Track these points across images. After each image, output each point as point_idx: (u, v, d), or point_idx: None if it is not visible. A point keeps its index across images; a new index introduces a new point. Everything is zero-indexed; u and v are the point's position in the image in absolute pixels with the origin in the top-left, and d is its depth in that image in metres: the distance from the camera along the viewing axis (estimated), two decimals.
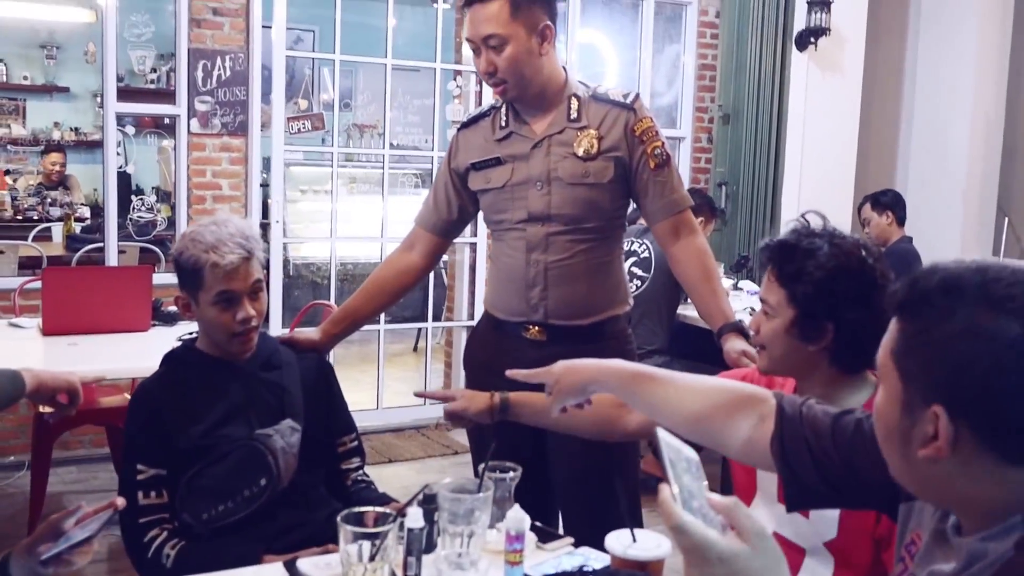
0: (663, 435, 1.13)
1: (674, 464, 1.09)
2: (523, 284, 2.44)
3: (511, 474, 1.86)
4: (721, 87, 6.33)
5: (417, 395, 2.57)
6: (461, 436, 5.49)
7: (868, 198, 5.55)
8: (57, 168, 7.82)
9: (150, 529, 2.07)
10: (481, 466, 1.80)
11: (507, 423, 2.44)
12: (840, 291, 1.74)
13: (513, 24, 2.31)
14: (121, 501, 1.61)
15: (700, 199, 4.93)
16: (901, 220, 5.47)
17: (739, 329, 2.41)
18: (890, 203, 5.45)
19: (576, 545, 1.92)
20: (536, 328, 2.45)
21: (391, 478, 4.63)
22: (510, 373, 1.92)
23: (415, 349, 7.66)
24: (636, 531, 1.60)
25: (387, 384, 5.78)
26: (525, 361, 2.41)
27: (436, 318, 6.07)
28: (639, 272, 4.47)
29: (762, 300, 1.87)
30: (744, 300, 4.86)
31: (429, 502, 1.76)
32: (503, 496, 1.84)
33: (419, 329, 7.34)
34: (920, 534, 1.23)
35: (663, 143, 2.44)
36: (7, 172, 8.11)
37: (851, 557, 1.75)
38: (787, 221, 2.05)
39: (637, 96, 2.46)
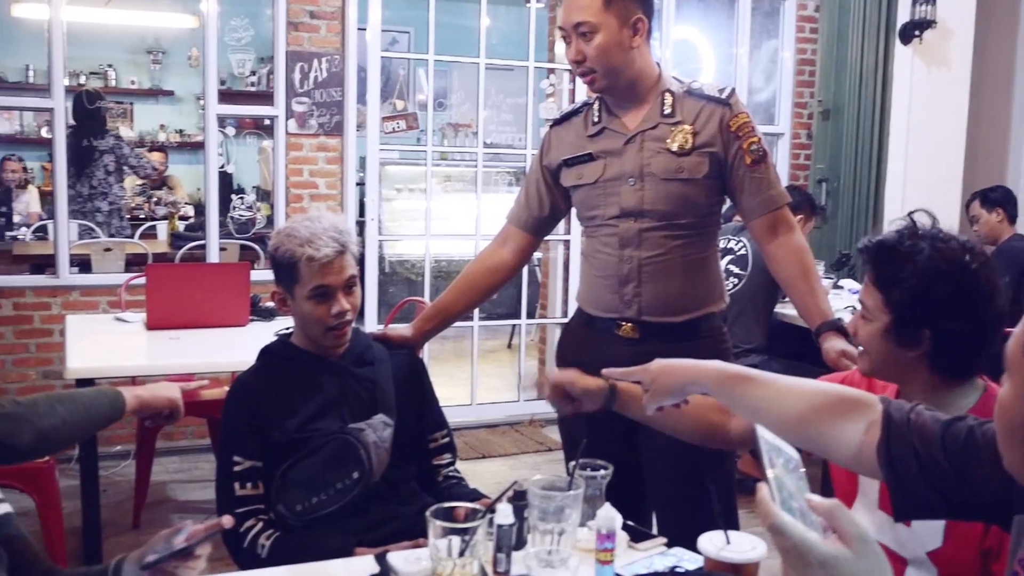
0: (762, 433, 1.09)
1: (773, 463, 1.05)
2: (616, 280, 2.41)
3: (602, 472, 1.84)
4: (821, 82, 6.20)
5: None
6: (554, 433, 5.48)
7: (977, 195, 5.36)
8: (159, 170, 8.04)
9: (246, 519, 2.10)
10: (572, 463, 1.78)
11: (600, 420, 2.42)
12: (937, 298, 1.66)
13: (605, 14, 2.29)
14: (228, 520, 1.64)
15: (799, 196, 4.83)
16: (1012, 217, 5.27)
17: (838, 328, 2.35)
18: (1000, 199, 5.25)
19: (669, 545, 1.89)
20: (629, 325, 2.42)
21: (484, 474, 4.65)
22: (606, 372, 1.89)
23: (509, 346, 7.68)
24: (730, 532, 1.56)
25: (481, 380, 5.80)
26: (618, 358, 2.39)
27: (530, 315, 6.07)
28: (735, 270, 4.39)
29: (860, 301, 1.81)
30: (845, 299, 4.74)
31: (519, 498, 1.75)
32: (594, 494, 1.82)
33: (513, 326, 7.37)
34: None
35: (760, 139, 2.39)
36: None
37: (956, 569, 1.67)
38: (891, 220, 1.97)
39: (733, 91, 2.42)
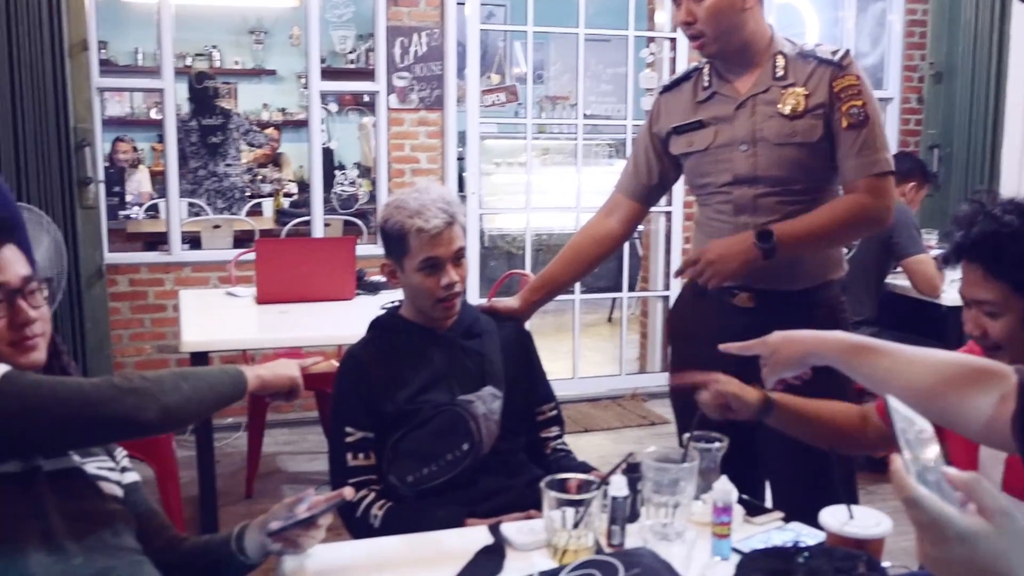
0: (893, 403, 1.05)
1: (906, 433, 1.01)
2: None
3: (717, 444, 1.81)
4: (932, 44, 5.97)
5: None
6: (656, 407, 5.45)
7: None
8: (272, 144, 8.20)
9: (359, 489, 2.12)
10: (686, 436, 1.76)
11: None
12: None
13: None
14: (349, 491, 1.66)
15: (910, 162, 4.67)
16: None
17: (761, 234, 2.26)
18: None
19: (786, 520, 1.85)
20: (745, 294, 2.36)
21: (587, 447, 4.63)
22: (724, 347, 1.84)
23: (609, 320, 7.65)
24: (854, 507, 1.52)
25: (582, 354, 5.78)
26: (732, 329, 2.34)
27: (631, 288, 6.01)
28: None
29: (976, 302, 1.72)
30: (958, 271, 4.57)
31: (633, 471, 1.73)
32: (709, 467, 1.79)
33: (613, 299, 7.33)
34: None
35: (864, 103, 2.28)
36: None
37: None
38: (1008, 184, 1.89)
39: (847, 53, 2.33)
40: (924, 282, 4.25)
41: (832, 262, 2.42)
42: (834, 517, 1.52)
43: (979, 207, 1.70)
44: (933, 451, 1.04)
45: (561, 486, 1.61)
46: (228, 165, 6.85)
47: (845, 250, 2.55)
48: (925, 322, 4.32)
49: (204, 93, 6.76)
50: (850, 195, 2.32)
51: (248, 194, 7.69)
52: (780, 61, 2.33)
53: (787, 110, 2.29)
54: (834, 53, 2.32)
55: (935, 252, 4.44)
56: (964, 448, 1.72)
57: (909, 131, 6.14)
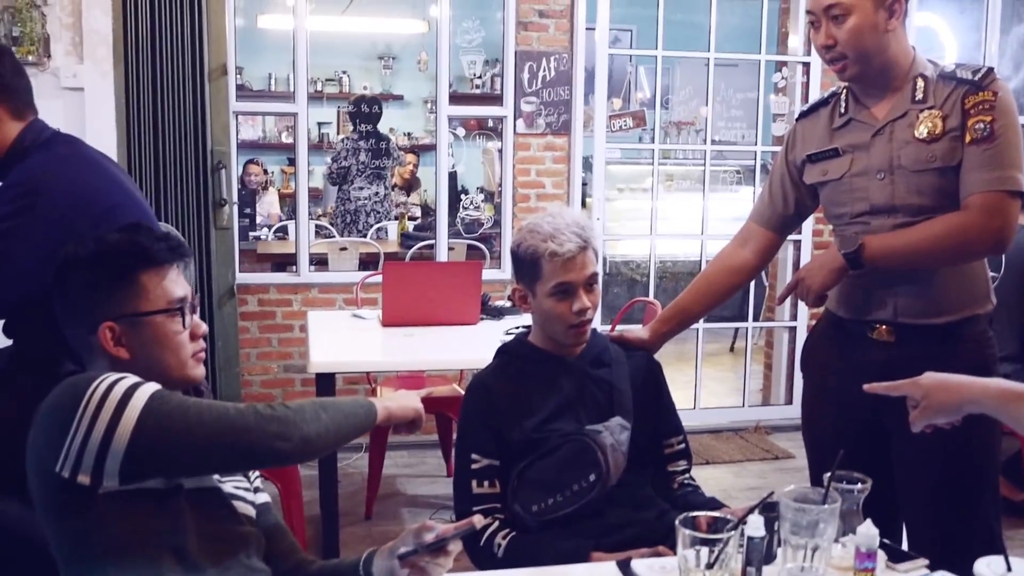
0: None
1: None
2: (869, 280, 2.26)
3: (859, 486, 1.72)
4: None
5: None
6: (780, 440, 5.31)
7: None
8: (410, 169, 8.36)
9: (483, 517, 2.10)
10: (827, 475, 1.68)
11: (849, 430, 2.29)
12: None
13: None
14: (479, 519, 1.64)
15: None
16: None
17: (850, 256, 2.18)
18: None
19: (931, 568, 1.75)
20: (884, 327, 2.26)
21: (709, 480, 4.53)
22: (868, 388, 1.76)
23: (731, 349, 7.49)
24: (1013, 559, 1.42)
25: (704, 384, 5.67)
26: (870, 364, 2.26)
27: (756, 318, 5.88)
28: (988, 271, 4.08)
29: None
30: None
31: (770, 510, 1.66)
32: (850, 508, 1.70)
33: (736, 329, 7.18)
34: None
35: (994, 118, 2.12)
36: None
37: None
38: None
39: (990, 71, 2.18)
40: None
41: (978, 295, 2.29)
42: (990, 568, 1.43)
43: None
44: None
45: (695, 524, 1.56)
46: (387, 187, 7.08)
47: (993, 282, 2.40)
48: None
49: (368, 117, 6.99)
50: (959, 212, 2.16)
51: (392, 215, 7.86)
52: (920, 84, 2.22)
53: (924, 134, 2.18)
54: (975, 72, 2.20)
55: None
56: None
57: None
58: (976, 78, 2.17)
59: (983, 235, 2.15)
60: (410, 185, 8.41)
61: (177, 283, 1.68)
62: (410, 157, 8.45)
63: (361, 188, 7.00)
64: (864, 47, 2.18)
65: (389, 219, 7.19)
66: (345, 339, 3.77)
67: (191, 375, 1.68)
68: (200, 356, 1.70)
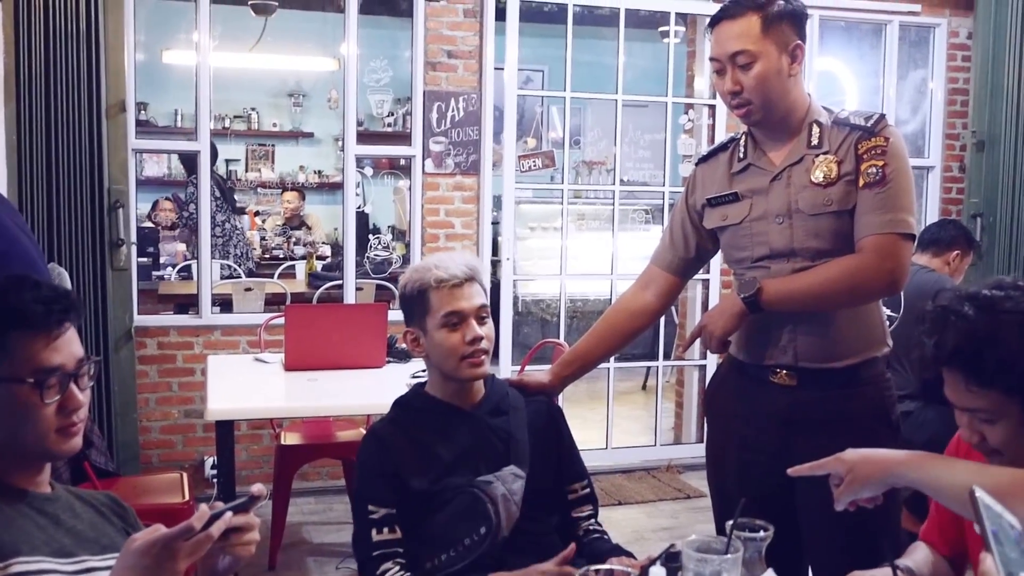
0: (983, 498, 0.97)
1: (995, 531, 0.94)
2: (769, 324, 2.27)
3: (762, 533, 1.70)
4: (975, 112, 5.89)
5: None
6: (692, 479, 5.32)
7: None
8: (292, 207, 8.27)
9: (384, 562, 2.05)
10: (729, 523, 1.65)
11: (753, 476, 2.28)
12: None
13: (764, 41, 2.17)
14: (258, 487, 1.43)
15: (954, 230, 4.56)
16: None
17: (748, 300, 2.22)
18: None
19: None
20: (785, 372, 2.27)
21: (621, 521, 4.51)
22: (793, 471, 1.76)
23: (644, 387, 7.53)
24: None
25: (615, 423, 5.67)
26: (772, 408, 2.27)
27: (667, 356, 5.91)
28: (887, 312, 4.16)
29: (966, 409, 1.61)
30: None
31: (672, 560, 1.63)
32: (753, 557, 1.68)
33: (648, 367, 7.21)
34: None
35: (885, 163, 2.16)
36: (257, 213, 8.63)
37: None
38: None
39: (881, 117, 2.23)
40: None
41: (875, 338, 2.32)
42: None
43: (942, 311, 1.60)
44: (1022, 551, 0.96)
45: (599, 575, 1.52)
46: (260, 228, 6.95)
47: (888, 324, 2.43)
48: None
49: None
50: (854, 255, 2.19)
51: (282, 256, 7.73)
52: (815, 130, 2.25)
53: (820, 178, 2.21)
54: (868, 119, 2.23)
55: None
56: None
57: (951, 199, 6.04)
58: (869, 124, 2.21)
59: (877, 276, 2.17)
60: (302, 224, 8.33)
61: (55, 350, 1.52)
62: (289, 195, 8.37)
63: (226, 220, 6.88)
64: (769, 93, 2.20)
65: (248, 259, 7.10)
66: (247, 384, 3.67)
67: (54, 450, 1.54)
68: (73, 431, 1.55)
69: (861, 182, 2.17)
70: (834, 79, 6.18)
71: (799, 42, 2.21)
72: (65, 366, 1.53)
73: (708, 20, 2.30)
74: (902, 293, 4.16)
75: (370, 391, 3.53)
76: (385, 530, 2.07)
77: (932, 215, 5.86)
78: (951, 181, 6.04)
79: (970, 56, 5.95)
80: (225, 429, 3.24)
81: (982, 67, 5.81)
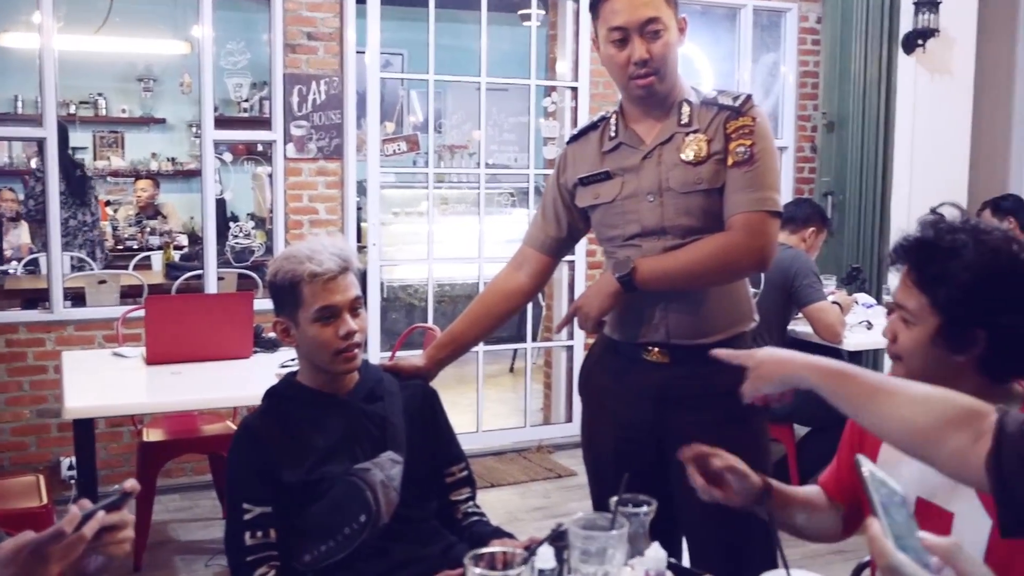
0: (868, 467, 0.99)
1: (882, 499, 0.96)
2: (641, 303, 2.29)
3: (645, 508, 1.72)
4: (824, 94, 6.13)
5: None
6: (563, 459, 5.37)
7: (988, 203, 5.26)
8: (146, 195, 7.98)
9: (257, 567, 1.99)
10: (613, 500, 1.67)
11: (626, 451, 2.31)
12: (992, 294, 1.55)
13: (668, 9, 2.21)
14: (131, 483, 1.39)
15: (809, 208, 4.73)
16: None
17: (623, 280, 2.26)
18: (1012, 208, 5.15)
19: None
20: (657, 350, 2.30)
21: (495, 503, 4.52)
22: (715, 353, 1.77)
23: (511, 370, 7.56)
24: (794, 572, 1.45)
25: (485, 406, 5.68)
26: (646, 385, 2.29)
27: (534, 338, 5.95)
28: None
29: (898, 305, 1.68)
30: (860, 314, 4.64)
31: (559, 539, 1.63)
32: (637, 532, 1.70)
33: (515, 350, 7.25)
34: None
35: (753, 143, 2.22)
36: (108, 203, 8.28)
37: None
38: (897, 229, 1.90)
39: (748, 97, 2.28)
40: (825, 329, 4.29)
41: (743, 313, 2.37)
42: None
43: (939, 218, 1.67)
44: (909, 516, 0.99)
45: (487, 559, 1.50)
46: (93, 216, 6.64)
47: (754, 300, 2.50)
48: None
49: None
50: (724, 232, 2.23)
51: (136, 247, 7.44)
52: (686, 109, 2.29)
53: (690, 157, 2.24)
54: (736, 99, 2.28)
55: (833, 298, 4.49)
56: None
57: (804, 179, 6.26)
58: (737, 104, 2.26)
59: (747, 253, 2.22)
60: (157, 213, 8.05)
61: None
62: (142, 184, 8.09)
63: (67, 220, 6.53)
64: (670, 63, 2.24)
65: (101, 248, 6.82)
66: (105, 380, 3.51)
67: None
68: None
69: (730, 161, 2.22)
70: (690, 63, 6.32)
71: (684, 15, 2.27)
72: None
73: None
74: None
75: (237, 383, 3.43)
76: (259, 533, 2.01)
77: (787, 194, 6.06)
78: (803, 161, 6.26)
79: (819, 40, 6.17)
80: (84, 428, 3.11)
81: (831, 51, 6.05)
